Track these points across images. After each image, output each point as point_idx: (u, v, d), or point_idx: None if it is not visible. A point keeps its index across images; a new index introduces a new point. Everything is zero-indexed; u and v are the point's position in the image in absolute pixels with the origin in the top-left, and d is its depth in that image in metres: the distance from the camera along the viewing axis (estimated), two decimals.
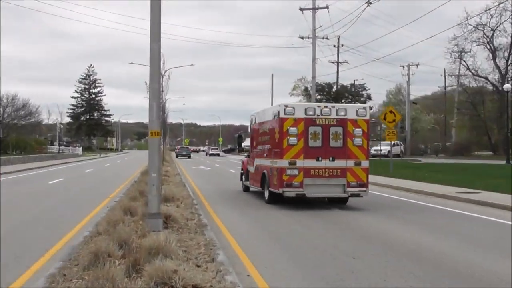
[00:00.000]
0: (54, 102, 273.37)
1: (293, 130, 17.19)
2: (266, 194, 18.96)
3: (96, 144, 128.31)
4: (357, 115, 17.61)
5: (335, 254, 9.97)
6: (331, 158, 17.30)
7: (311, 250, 10.40)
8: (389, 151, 54.64)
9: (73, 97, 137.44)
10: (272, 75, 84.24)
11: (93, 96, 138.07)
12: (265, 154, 19.20)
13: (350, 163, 17.37)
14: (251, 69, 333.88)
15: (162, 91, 34.59)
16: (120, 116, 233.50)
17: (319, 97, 79.99)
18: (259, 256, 9.73)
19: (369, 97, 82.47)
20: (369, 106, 18.28)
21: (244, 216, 15.59)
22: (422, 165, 42.00)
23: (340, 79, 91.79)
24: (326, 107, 17.67)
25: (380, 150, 63.50)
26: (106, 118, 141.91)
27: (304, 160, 17.16)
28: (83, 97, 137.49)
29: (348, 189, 17.34)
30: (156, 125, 11.36)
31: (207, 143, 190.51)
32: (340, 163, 17.32)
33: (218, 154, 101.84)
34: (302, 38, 54.74)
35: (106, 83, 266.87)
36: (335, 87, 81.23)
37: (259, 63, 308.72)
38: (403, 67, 79.30)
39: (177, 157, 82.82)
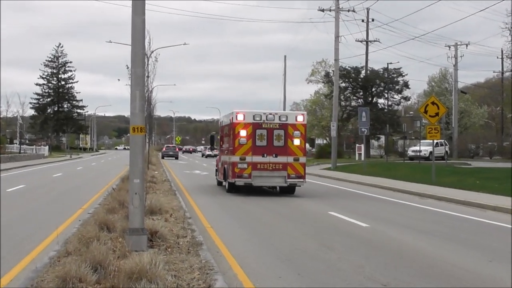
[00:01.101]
0: (14, 91, 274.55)
1: (243, 132, 26.40)
2: (226, 185, 28.20)
3: (66, 142, 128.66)
4: (296, 120, 26.66)
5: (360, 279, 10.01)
6: (274, 155, 26.42)
7: (332, 277, 10.45)
8: (430, 153, 54.55)
9: (37, 84, 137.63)
10: (285, 57, 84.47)
11: (63, 83, 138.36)
12: (225, 151, 28.74)
13: (290, 159, 26.47)
14: (259, 49, 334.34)
15: (148, 77, 34.78)
16: (96, 108, 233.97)
17: (343, 84, 79.90)
18: (267, 284, 9.77)
19: (406, 85, 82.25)
20: (306, 113, 28.54)
21: (249, 233, 15.70)
22: (473, 170, 41.91)
23: (370, 63, 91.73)
24: (270, 114, 26.80)
25: (420, 151, 63.39)
26: (79, 111, 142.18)
27: (252, 156, 26.39)
28: (50, 84, 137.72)
29: (289, 180, 26.51)
30: (140, 119, 11.40)
31: (203, 142, 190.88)
32: (282, 159, 26.43)
33: (216, 155, 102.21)
34: (323, 10, 54.70)
35: (78, 67, 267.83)
36: (363, 72, 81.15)
37: (270, 42, 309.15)
38: (449, 47, 79.20)
39: (163, 157, 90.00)
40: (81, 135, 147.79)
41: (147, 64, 31.17)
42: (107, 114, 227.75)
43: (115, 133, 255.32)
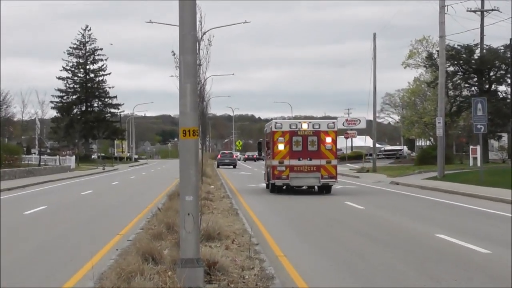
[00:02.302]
0: (31, 86, 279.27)
1: (281, 139, 38.27)
2: (269, 186, 41.14)
3: (98, 151, 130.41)
4: (328, 127, 38.47)
5: None
6: (309, 158, 38.05)
7: None
8: None
9: (60, 78, 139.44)
10: (375, 35, 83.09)
11: (92, 75, 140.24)
12: (268, 156, 41.27)
13: (323, 162, 38.08)
14: (341, 26, 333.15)
15: (200, 65, 35.01)
16: (134, 107, 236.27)
17: (451, 68, 78.88)
18: None
19: None
20: (336, 121, 42.22)
21: (334, 262, 15.67)
22: None
23: (487, 39, 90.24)
24: (304, 122, 39.35)
25: None
26: (112, 110, 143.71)
27: (289, 160, 38.09)
28: (75, 78, 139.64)
29: (322, 180, 38.22)
30: (192, 119, 11.47)
31: None
32: (315, 162, 38.08)
33: None
34: None
35: (111, 54, 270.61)
36: (478, 51, 79.98)
37: (354, 17, 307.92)
38: None
39: (218, 166, 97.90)
40: (116, 141, 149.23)
41: (199, 49, 31.29)
42: (148, 114, 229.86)
43: (158, 138, 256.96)
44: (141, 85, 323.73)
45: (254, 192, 42.26)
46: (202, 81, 36.95)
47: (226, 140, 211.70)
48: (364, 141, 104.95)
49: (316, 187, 40.10)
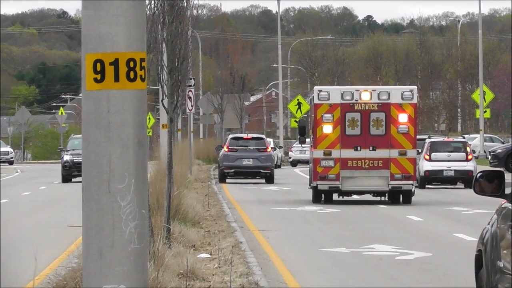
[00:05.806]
0: None
1: (327, 116, 41.58)
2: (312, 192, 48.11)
3: None
4: (402, 98, 41.22)
5: None
6: (371, 148, 42.16)
7: None
8: None
9: None
10: None
11: None
12: (311, 145, 47.57)
13: (394, 153, 41.81)
14: None
15: None
16: None
17: None
18: None
19: None
20: (415, 88, 42.40)
21: None
22: None
23: None
24: (365, 90, 41.32)
25: None
26: None
27: (340, 150, 42.00)
28: None
29: (392, 182, 41.86)
30: (128, 21, 8.27)
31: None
32: (382, 153, 42.23)
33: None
34: None
35: None
36: None
37: None
38: None
39: (222, 179, 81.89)
40: None
41: None
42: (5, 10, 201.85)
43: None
44: None
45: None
46: None
47: (255, 97, 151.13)
48: None
49: (386, 195, 42.39)
